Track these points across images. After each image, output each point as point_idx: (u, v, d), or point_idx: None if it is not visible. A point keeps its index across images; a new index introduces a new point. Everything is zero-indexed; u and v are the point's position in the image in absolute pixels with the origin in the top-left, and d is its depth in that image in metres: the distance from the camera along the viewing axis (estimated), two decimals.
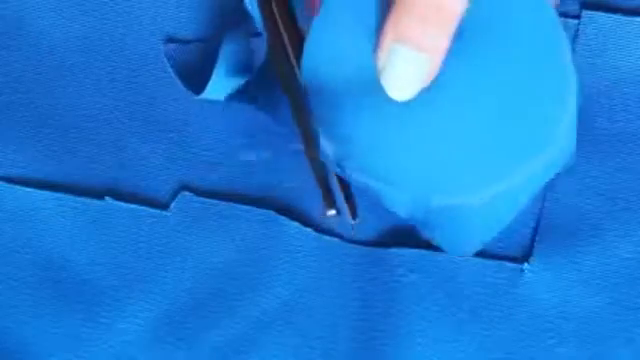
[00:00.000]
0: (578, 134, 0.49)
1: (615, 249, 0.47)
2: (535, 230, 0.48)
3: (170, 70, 0.51)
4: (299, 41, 0.38)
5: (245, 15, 0.50)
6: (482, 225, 0.41)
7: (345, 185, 0.42)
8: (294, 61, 0.39)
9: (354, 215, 0.39)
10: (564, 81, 0.38)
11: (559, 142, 0.38)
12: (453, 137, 0.37)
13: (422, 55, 0.34)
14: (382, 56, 0.35)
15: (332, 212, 0.36)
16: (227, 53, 0.49)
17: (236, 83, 0.49)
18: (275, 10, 0.39)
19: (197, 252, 0.48)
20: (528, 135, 0.37)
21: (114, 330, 0.47)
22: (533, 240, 0.47)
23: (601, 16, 0.50)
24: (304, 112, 0.37)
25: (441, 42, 0.34)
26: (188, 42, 0.51)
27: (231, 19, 0.51)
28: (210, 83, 0.48)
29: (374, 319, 0.47)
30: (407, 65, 0.34)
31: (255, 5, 0.47)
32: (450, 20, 0.34)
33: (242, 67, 0.49)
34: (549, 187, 0.48)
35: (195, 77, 0.50)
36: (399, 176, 0.37)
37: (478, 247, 0.45)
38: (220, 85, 0.49)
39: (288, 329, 0.47)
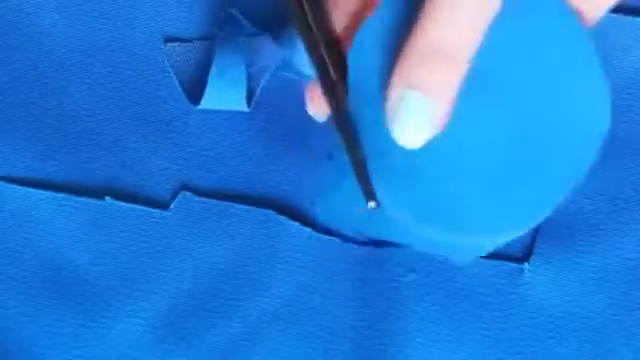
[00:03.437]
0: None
1: (615, 249, 0.47)
2: (535, 230, 0.48)
3: (170, 70, 0.51)
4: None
5: (235, 19, 0.50)
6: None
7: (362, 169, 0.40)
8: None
9: (374, 200, 0.38)
10: (597, 115, 0.37)
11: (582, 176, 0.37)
12: (490, 175, 0.36)
13: (432, 101, 0.34)
14: (391, 102, 0.34)
15: (373, 204, 0.35)
16: (220, 63, 0.49)
17: (232, 92, 0.49)
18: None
19: (197, 252, 0.48)
20: (556, 176, 0.37)
21: (114, 330, 0.47)
22: (533, 240, 0.47)
23: (602, 16, 0.50)
24: (344, 114, 0.36)
25: (449, 87, 0.34)
26: (188, 42, 0.51)
27: (225, 22, 0.51)
28: (205, 94, 0.49)
29: (374, 319, 0.47)
30: (417, 111, 0.34)
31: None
32: (459, 65, 0.34)
33: (237, 75, 0.49)
34: None
35: (195, 77, 0.51)
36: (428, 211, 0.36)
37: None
38: (215, 96, 0.49)
39: (288, 329, 0.47)
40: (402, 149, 0.35)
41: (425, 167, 0.36)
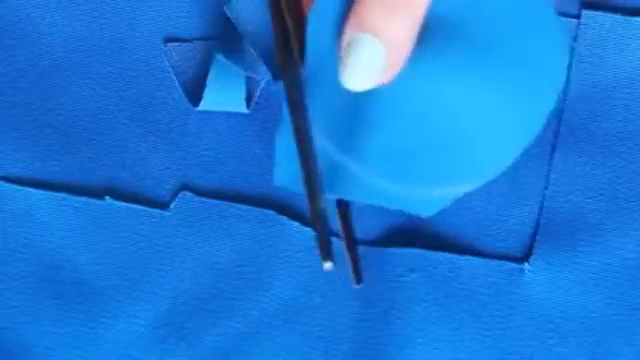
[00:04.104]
0: (578, 134, 0.49)
1: (615, 249, 0.47)
2: (535, 230, 0.48)
3: (170, 70, 0.51)
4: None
5: (231, 22, 0.50)
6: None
7: (353, 248, 0.40)
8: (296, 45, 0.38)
9: (359, 280, 0.38)
10: (553, 70, 0.37)
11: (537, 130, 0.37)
12: (450, 127, 0.36)
13: (382, 45, 0.33)
14: (343, 42, 0.34)
15: (329, 265, 0.35)
16: (218, 66, 0.49)
17: (231, 94, 0.49)
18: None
19: (197, 252, 0.48)
20: (521, 127, 0.37)
21: (114, 330, 0.47)
22: (533, 240, 0.48)
23: (601, 16, 0.50)
24: (308, 147, 0.36)
25: (403, 31, 0.33)
26: (188, 42, 0.51)
27: (223, 23, 0.51)
28: (204, 96, 0.49)
29: (374, 319, 0.47)
30: (365, 53, 0.34)
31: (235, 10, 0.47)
32: (415, 11, 0.33)
33: (235, 78, 0.49)
34: (549, 187, 0.48)
35: (195, 78, 0.50)
36: (383, 162, 0.36)
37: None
38: (215, 97, 0.49)
39: (288, 329, 0.47)
40: (358, 102, 0.35)
41: (378, 118, 0.36)
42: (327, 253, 0.35)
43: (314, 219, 0.35)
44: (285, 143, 0.38)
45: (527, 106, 0.36)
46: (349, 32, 0.34)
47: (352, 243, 0.38)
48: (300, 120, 0.36)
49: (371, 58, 0.33)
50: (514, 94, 0.36)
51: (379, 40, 0.33)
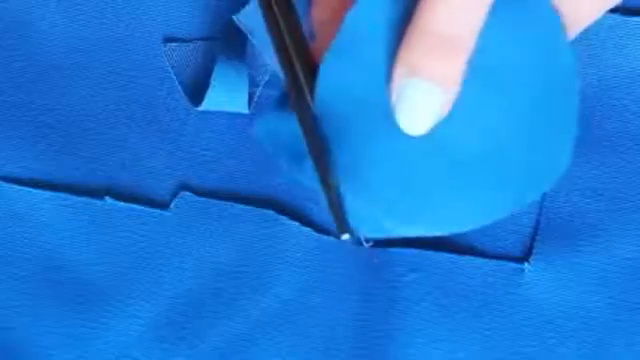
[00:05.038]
0: (578, 134, 0.49)
1: (615, 249, 0.47)
2: (535, 230, 0.48)
3: (170, 70, 0.51)
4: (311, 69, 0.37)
5: (232, 23, 0.50)
6: None
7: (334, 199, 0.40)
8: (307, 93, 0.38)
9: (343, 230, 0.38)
10: (570, 115, 0.37)
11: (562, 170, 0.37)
12: (462, 172, 0.36)
13: (436, 87, 0.34)
14: (395, 89, 0.34)
15: (346, 236, 0.35)
16: (222, 66, 0.49)
17: (233, 95, 0.49)
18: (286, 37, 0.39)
19: (197, 252, 0.48)
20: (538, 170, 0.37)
21: (114, 330, 0.47)
22: (533, 240, 0.48)
23: (601, 16, 0.50)
24: (316, 137, 0.36)
25: (454, 73, 0.34)
26: (188, 42, 0.51)
27: (227, 24, 0.51)
28: (207, 96, 0.49)
29: (374, 319, 0.47)
30: (421, 98, 0.34)
31: (252, 20, 0.47)
32: (461, 51, 0.34)
33: (238, 79, 0.49)
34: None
35: (195, 78, 0.50)
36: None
37: None
38: (217, 98, 0.49)
39: (288, 329, 0.47)
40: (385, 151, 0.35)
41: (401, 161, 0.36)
42: (343, 226, 0.35)
43: (327, 196, 0.35)
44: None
45: (540, 156, 0.36)
46: (400, 76, 0.34)
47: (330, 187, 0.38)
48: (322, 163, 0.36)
49: (429, 101, 0.34)
50: (528, 140, 0.36)
51: (434, 82, 0.33)
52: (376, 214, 0.35)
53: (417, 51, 0.33)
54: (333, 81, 0.35)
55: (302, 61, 0.36)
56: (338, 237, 0.35)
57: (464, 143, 0.35)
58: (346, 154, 0.35)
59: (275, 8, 0.36)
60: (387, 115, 0.35)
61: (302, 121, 0.35)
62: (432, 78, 0.33)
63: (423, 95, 0.33)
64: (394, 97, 0.34)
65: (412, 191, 0.35)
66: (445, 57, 0.33)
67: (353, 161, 0.35)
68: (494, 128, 0.35)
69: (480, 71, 0.35)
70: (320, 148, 0.35)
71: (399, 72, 0.33)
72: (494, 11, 0.34)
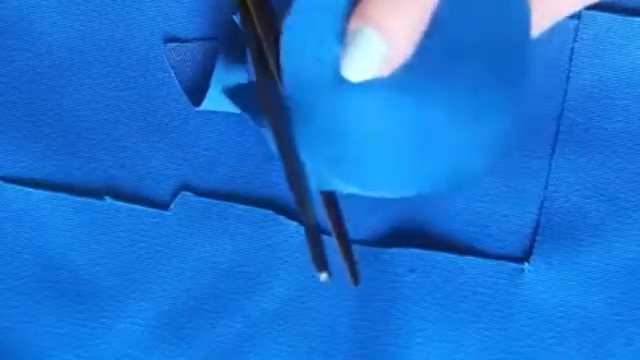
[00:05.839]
0: (578, 134, 0.49)
1: (615, 249, 0.47)
2: (535, 230, 0.48)
3: (170, 70, 0.51)
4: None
5: (232, 23, 0.50)
6: None
7: (346, 247, 0.41)
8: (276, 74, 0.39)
9: (356, 280, 0.39)
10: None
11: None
12: (418, 136, 0.37)
13: (382, 38, 0.34)
14: (347, 37, 0.35)
15: (324, 275, 0.36)
16: (222, 66, 0.49)
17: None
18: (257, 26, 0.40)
19: (197, 252, 0.48)
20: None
21: (114, 330, 0.47)
22: (533, 240, 0.48)
23: (601, 16, 0.50)
24: (296, 172, 0.37)
25: (406, 29, 0.34)
26: (188, 42, 0.51)
27: (228, 24, 0.51)
28: (207, 96, 0.49)
29: (374, 319, 0.47)
30: (365, 46, 0.35)
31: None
32: (417, 6, 0.34)
33: (238, 79, 0.49)
34: (549, 187, 0.48)
35: (195, 78, 0.51)
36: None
37: None
38: (217, 98, 0.49)
39: (288, 329, 0.47)
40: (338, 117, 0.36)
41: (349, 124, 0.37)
42: (322, 264, 0.35)
43: (307, 233, 0.36)
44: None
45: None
46: (353, 24, 0.34)
47: (344, 239, 0.39)
48: (285, 140, 0.37)
49: (371, 51, 0.34)
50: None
51: (381, 35, 0.34)
52: (320, 169, 0.37)
53: (371, 3, 0.34)
54: (292, 51, 0.36)
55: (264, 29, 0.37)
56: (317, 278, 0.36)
57: (409, 111, 0.36)
58: (302, 111, 0.36)
59: None
60: (336, 76, 0.36)
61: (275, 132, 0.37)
62: (379, 29, 0.34)
63: (367, 43, 0.34)
64: (345, 41, 0.35)
65: (348, 152, 0.37)
66: (397, 11, 0.34)
67: (305, 119, 0.36)
68: (442, 97, 0.36)
69: (438, 41, 0.36)
70: (301, 187, 0.36)
71: (354, 18, 0.35)
72: None
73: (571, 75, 0.50)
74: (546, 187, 0.48)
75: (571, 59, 0.50)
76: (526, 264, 0.47)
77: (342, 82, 0.36)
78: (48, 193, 0.49)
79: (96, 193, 0.49)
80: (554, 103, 0.49)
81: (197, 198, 0.49)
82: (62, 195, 0.49)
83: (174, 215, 0.49)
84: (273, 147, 0.39)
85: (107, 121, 0.50)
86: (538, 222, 0.48)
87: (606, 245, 0.47)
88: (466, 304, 0.47)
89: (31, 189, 0.49)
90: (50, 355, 0.47)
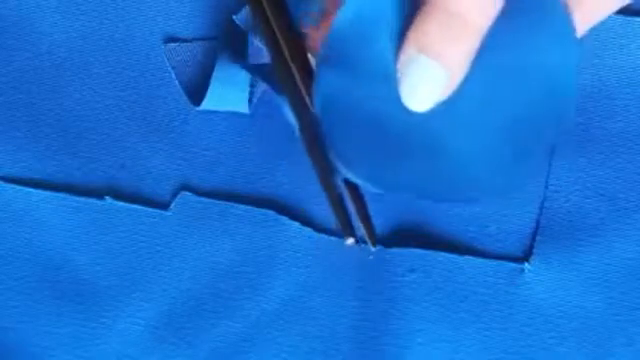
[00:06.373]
0: (578, 134, 0.49)
1: (615, 249, 0.47)
2: (535, 230, 0.48)
3: (170, 70, 0.51)
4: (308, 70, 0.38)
5: (232, 23, 0.50)
6: None
7: (363, 211, 0.40)
8: (302, 89, 0.39)
9: (373, 241, 0.39)
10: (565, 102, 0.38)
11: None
12: (461, 152, 0.36)
13: (442, 67, 0.34)
14: (403, 64, 0.35)
15: (351, 241, 0.36)
16: (222, 65, 0.49)
17: (234, 94, 0.49)
18: (279, 35, 0.40)
19: (197, 252, 0.48)
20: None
21: (114, 330, 0.47)
22: (533, 240, 0.48)
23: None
24: (317, 142, 0.36)
25: (462, 56, 0.34)
26: (188, 42, 0.51)
27: (228, 24, 0.51)
28: (207, 95, 0.49)
29: (374, 319, 0.47)
30: (426, 75, 0.34)
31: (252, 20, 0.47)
32: (473, 34, 0.34)
33: (239, 78, 0.49)
34: (549, 187, 0.48)
35: (195, 78, 0.51)
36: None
37: None
38: (218, 97, 0.49)
39: (288, 329, 0.47)
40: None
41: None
42: (349, 230, 0.36)
43: (333, 205, 0.36)
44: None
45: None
46: (409, 53, 0.34)
47: (364, 211, 0.39)
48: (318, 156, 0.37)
49: (434, 80, 0.34)
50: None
51: (443, 64, 0.34)
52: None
53: (428, 29, 0.34)
54: (329, 86, 0.36)
55: (298, 63, 0.37)
56: (343, 239, 0.36)
57: (440, 131, 0.36)
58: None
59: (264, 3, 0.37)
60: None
61: (299, 119, 0.36)
62: (440, 57, 0.34)
63: (428, 73, 0.34)
64: (400, 72, 0.35)
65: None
66: (456, 38, 0.34)
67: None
68: (476, 127, 0.36)
69: (485, 67, 0.35)
70: (321, 156, 0.36)
71: (408, 48, 0.34)
72: (507, 12, 0.35)
73: None
74: (546, 187, 0.48)
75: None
76: (526, 264, 0.47)
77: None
78: (48, 193, 0.49)
79: (96, 193, 0.49)
80: None
81: (197, 198, 0.49)
82: (62, 195, 0.49)
83: (174, 215, 0.49)
84: (292, 120, 0.39)
85: (107, 121, 0.50)
86: (538, 222, 0.48)
87: (606, 245, 0.47)
88: (466, 304, 0.47)
89: (31, 189, 0.49)
90: (50, 355, 0.47)
